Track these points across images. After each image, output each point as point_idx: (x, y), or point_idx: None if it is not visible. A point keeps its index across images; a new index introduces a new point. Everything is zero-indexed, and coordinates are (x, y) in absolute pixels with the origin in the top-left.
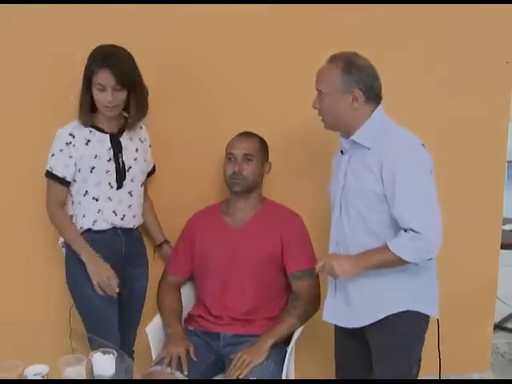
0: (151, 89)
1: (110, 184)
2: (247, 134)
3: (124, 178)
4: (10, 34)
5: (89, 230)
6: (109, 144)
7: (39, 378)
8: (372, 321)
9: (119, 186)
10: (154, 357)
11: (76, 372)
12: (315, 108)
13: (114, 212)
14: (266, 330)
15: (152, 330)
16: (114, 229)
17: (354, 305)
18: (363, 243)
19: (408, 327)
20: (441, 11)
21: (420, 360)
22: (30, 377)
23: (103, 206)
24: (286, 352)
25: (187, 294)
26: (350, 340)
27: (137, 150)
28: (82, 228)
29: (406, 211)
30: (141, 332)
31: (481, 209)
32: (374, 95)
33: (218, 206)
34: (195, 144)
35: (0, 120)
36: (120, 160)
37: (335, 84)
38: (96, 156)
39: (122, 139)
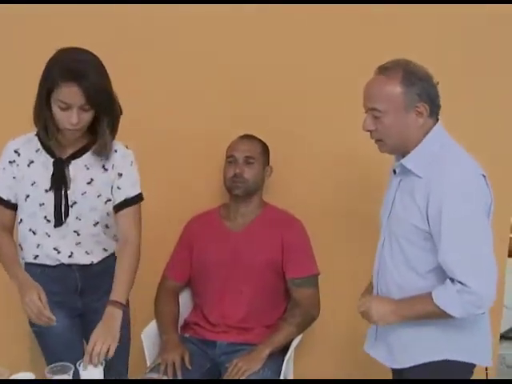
0: (149, 91)
1: (45, 218)
2: (248, 137)
3: (66, 215)
4: (10, 33)
5: (36, 264)
6: (52, 171)
7: None
8: (410, 365)
9: (57, 224)
10: (148, 362)
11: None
12: (368, 131)
13: (55, 249)
14: (263, 339)
15: (147, 335)
16: (66, 264)
17: (393, 349)
18: (404, 278)
19: (449, 375)
20: (445, 11)
21: None
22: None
23: (41, 241)
24: (283, 361)
25: (184, 299)
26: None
27: (90, 182)
28: (23, 259)
29: (453, 260)
30: (135, 337)
31: None
32: (436, 107)
33: (218, 210)
34: (194, 147)
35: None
36: (62, 192)
37: (396, 99)
38: (34, 183)
39: (71, 166)
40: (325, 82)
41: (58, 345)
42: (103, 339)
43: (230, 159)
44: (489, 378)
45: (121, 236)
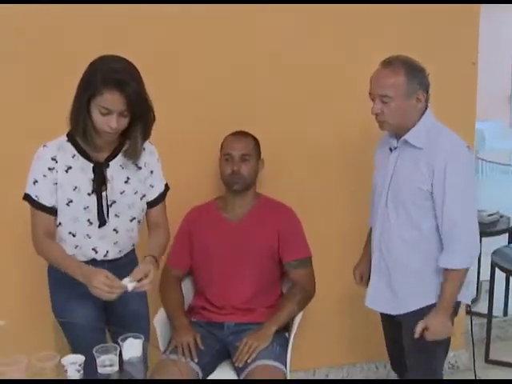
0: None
1: (89, 220)
2: (242, 134)
3: (107, 215)
4: (11, 33)
5: None
6: (91, 174)
7: (76, 366)
8: (413, 309)
9: (101, 224)
10: (161, 346)
11: (110, 359)
12: (375, 114)
13: (93, 249)
14: (267, 318)
15: (159, 321)
16: (98, 260)
17: (397, 293)
18: (406, 235)
19: None
20: (410, 14)
21: (448, 346)
22: (68, 365)
23: (81, 243)
24: (286, 336)
25: (186, 285)
26: (394, 325)
27: (127, 181)
28: None
29: (455, 218)
30: None
31: None
32: (428, 94)
33: (214, 202)
34: (190, 143)
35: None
36: (103, 194)
37: (401, 88)
38: (75, 188)
39: (108, 169)
40: (313, 74)
41: (83, 334)
42: (150, 276)
43: (227, 157)
44: (455, 346)
45: (152, 224)
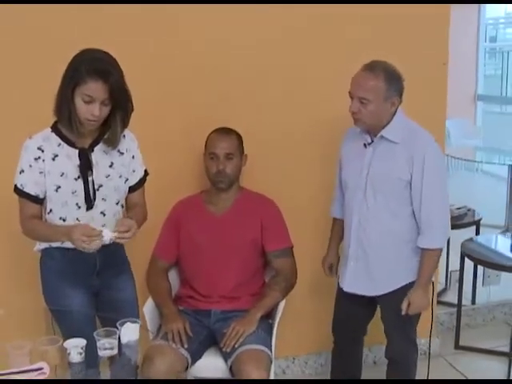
0: (131, 84)
1: (77, 204)
2: (225, 132)
3: (94, 198)
4: (8, 34)
5: (57, 247)
6: (77, 161)
7: (78, 349)
8: (390, 290)
9: (89, 208)
10: (150, 333)
11: (110, 342)
12: (353, 112)
13: None
14: (252, 304)
15: (148, 309)
16: None
17: (375, 276)
18: (385, 222)
19: (406, 293)
20: (384, 16)
21: (420, 315)
22: (70, 348)
23: None
24: (269, 323)
25: (171, 275)
26: (355, 304)
27: (111, 165)
28: (50, 246)
29: (432, 200)
30: None
31: None
32: (401, 98)
33: (200, 195)
34: (175, 137)
35: None
36: (90, 178)
37: (379, 93)
38: (62, 174)
39: (93, 154)
40: (292, 70)
41: (76, 322)
42: (133, 230)
43: (212, 155)
44: (426, 333)
45: (131, 205)
